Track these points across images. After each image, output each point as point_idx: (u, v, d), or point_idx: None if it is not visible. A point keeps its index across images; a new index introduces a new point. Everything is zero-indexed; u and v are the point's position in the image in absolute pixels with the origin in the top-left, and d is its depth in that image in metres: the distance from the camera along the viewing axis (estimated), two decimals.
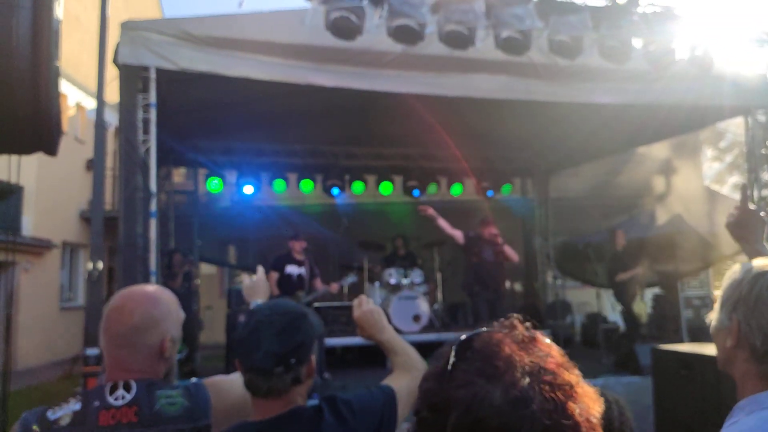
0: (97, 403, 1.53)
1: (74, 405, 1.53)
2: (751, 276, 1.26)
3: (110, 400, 1.53)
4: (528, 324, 0.86)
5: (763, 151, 7.99)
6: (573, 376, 0.80)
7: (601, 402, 0.81)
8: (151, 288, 1.73)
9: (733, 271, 1.32)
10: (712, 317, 1.34)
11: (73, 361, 11.93)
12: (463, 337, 0.83)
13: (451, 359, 0.80)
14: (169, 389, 1.60)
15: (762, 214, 1.69)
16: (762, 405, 1.17)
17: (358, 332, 1.86)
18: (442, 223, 7.73)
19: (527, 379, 0.75)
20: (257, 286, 2.19)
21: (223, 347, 8.81)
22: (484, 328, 0.85)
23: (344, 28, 5.12)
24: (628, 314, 8.84)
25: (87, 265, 5.12)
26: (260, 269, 2.28)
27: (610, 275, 8.91)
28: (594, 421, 0.78)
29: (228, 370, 6.64)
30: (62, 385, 10.58)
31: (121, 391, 1.54)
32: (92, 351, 4.50)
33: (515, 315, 0.87)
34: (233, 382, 1.70)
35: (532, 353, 0.80)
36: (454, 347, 0.82)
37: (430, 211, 7.55)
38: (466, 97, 6.55)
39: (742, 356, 1.24)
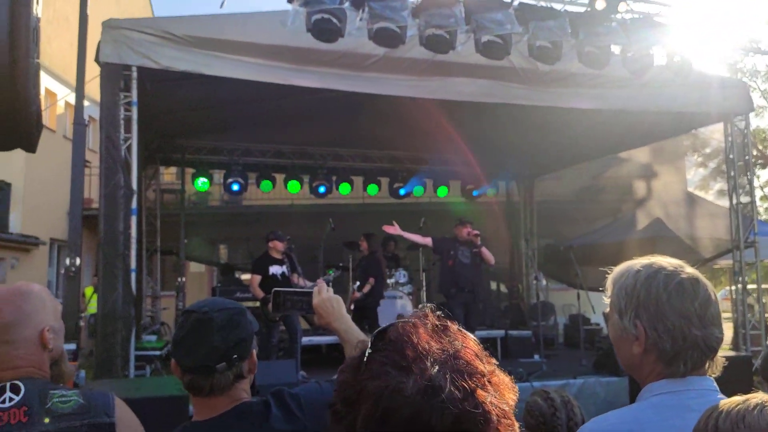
0: None
1: None
2: (643, 279, 1.26)
3: None
4: (439, 313, 0.85)
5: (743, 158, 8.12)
6: (488, 365, 0.79)
7: (516, 391, 0.81)
8: (19, 284, 1.68)
9: (619, 274, 1.32)
10: (610, 325, 1.34)
11: None
12: (379, 328, 0.83)
13: (368, 350, 0.79)
14: (65, 390, 1.57)
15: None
16: (652, 392, 1.25)
17: (316, 320, 1.84)
18: (408, 236, 7.73)
19: (437, 368, 0.74)
20: None
21: None
22: (400, 319, 0.84)
23: (325, 30, 5.18)
24: None
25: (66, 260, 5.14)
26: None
27: None
28: (507, 409, 0.77)
29: None
30: None
31: (8, 394, 1.49)
32: (68, 346, 4.51)
33: (428, 305, 0.88)
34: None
35: (444, 342, 0.79)
36: (371, 338, 0.81)
37: (392, 229, 7.53)
38: (453, 101, 6.62)
39: (649, 359, 1.25)
